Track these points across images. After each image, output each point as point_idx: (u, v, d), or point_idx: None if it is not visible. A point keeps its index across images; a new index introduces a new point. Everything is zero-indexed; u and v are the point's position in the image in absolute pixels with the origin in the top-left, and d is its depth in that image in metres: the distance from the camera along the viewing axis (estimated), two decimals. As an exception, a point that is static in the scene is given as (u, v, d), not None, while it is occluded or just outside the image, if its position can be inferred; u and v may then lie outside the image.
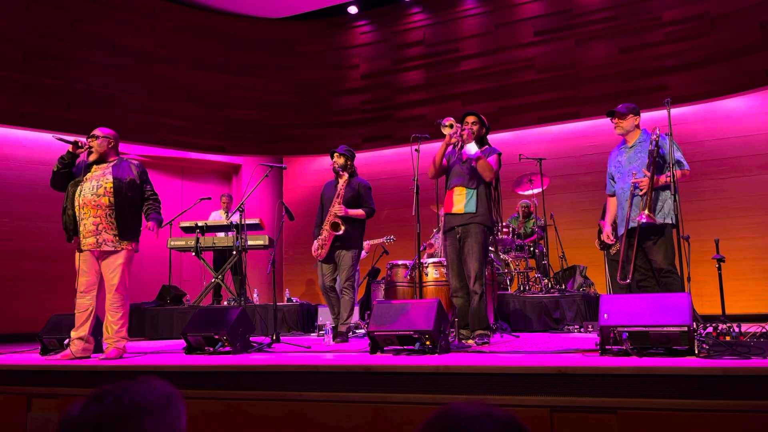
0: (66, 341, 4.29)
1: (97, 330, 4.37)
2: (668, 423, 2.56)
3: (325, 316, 6.37)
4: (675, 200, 3.89)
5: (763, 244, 7.41)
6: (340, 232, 5.12)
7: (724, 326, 3.12)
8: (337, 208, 5.14)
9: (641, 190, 4.06)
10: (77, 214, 4.22)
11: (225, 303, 7.30)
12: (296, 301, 7.13)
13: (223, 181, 10.13)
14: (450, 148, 4.56)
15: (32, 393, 3.74)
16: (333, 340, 5.01)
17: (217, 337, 4.17)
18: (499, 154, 4.58)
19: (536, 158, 6.98)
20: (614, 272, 5.10)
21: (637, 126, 4.31)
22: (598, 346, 3.29)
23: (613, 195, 4.43)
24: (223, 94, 9.57)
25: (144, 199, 4.41)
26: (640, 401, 2.61)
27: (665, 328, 3.09)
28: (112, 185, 4.22)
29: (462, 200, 4.47)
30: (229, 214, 7.70)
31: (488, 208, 4.47)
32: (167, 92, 9.10)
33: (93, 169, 4.32)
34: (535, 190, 7.22)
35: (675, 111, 4.73)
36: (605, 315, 3.26)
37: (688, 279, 3.87)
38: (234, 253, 7.04)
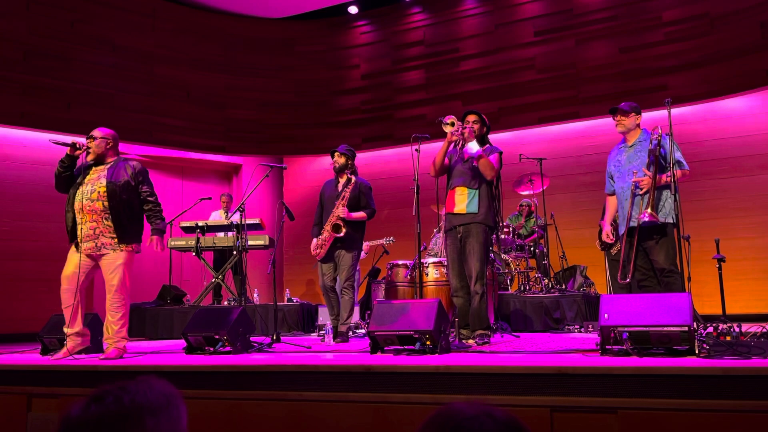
0: (65, 341, 4.30)
1: (97, 329, 4.37)
2: (668, 423, 2.56)
3: (325, 316, 6.37)
4: (675, 200, 3.89)
5: (763, 244, 7.41)
6: (341, 234, 5.12)
7: (725, 326, 3.12)
8: (340, 210, 5.13)
9: (642, 189, 4.06)
10: (77, 218, 4.21)
11: (225, 303, 7.30)
12: (296, 301, 7.13)
13: (223, 181, 10.13)
14: (451, 147, 4.56)
15: (32, 393, 3.74)
16: (333, 340, 5.01)
17: (217, 337, 4.17)
18: (500, 153, 4.59)
19: (536, 158, 6.99)
20: (615, 272, 5.11)
21: (638, 125, 4.32)
22: (599, 346, 3.29)
23: (612, 194, 4.43)
24: (223, 94, 9.57)
25: (142, 201, 4.34)
26: (641, 401, 2.61)
27: (666, 328, 3.09)
28: (105, 189, 4.17)
29: (464, 200, 4.47)
30: (230, 214, 7.69)
31: (490, 208, 4.47)
32: (167, 92, 9.10)
33: (91, 171, 4.29)
34: (536, 191, 7.23)
35: (675, 111, 4.73)
36: (605, 315, 3.26)
37: (689, 279, 3.87)
38: (234, 253, 7.05)
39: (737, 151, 7.66)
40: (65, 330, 4.21)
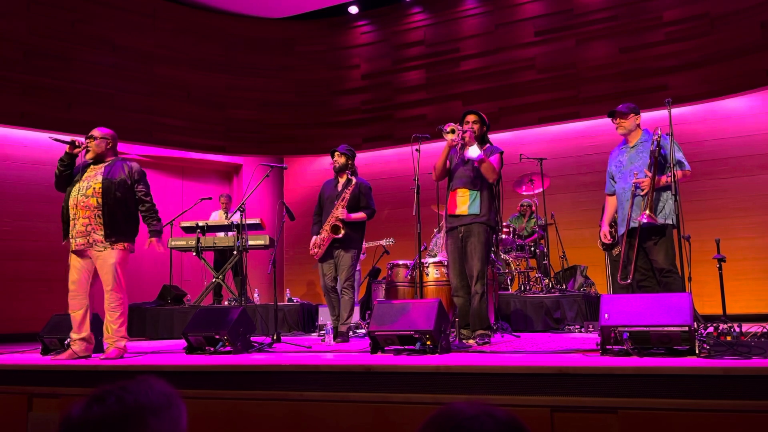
0: (66, 341, 4.29)
1: (97, 329, 4.37)
2: (669, 423, 2.56)
3: (325, 316, 6.37)
4: (676, 201, 3.89)
5: (763, 244, 7.41)
6: (340, 236, 5.12)
7: (725, 326, 3.13)
8: (339, 212, 5.13)
9: (642, 190, 4.07)
10: (70, 213, 4.22)
11: (226, 303, 7.30)
12: (297, 301, 7.13)
13: (223, 181, 10.13)
14: (452, 149, 4.57)
15: (33, 393, 3.75)
16: (334, 340, 5.01)
17: (217, 337, 4.18)
18: (501, 153, 4.59)
19: (537, 158, 6.99)
20: (616, 272, 5.11)
21: (638, 125, 4.32)
22: (599, 346, 3.29)
23: (612, 194, 4.43)
24: (223, 94, 9.57)
25: (137, 201, 4.34)
26: (641, 401, 2.61)
27: (666, 328, 3.09)
28: (100, 186, 4.18)
29: (465, 202, 4.47)
30: (229, 214, 7.69)
31: (491, 208, 4.48)
32: (167, 92, 9.10)
33: (89, 170, 4.31)
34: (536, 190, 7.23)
35: (675, 111, 4.73)
36: (606, 315, 3.26)
37: (689, 279, 3.87)
38: (235, 253, 7.05)
39: (737, 151, 7.66)
40: (72, 335, 4.21)
